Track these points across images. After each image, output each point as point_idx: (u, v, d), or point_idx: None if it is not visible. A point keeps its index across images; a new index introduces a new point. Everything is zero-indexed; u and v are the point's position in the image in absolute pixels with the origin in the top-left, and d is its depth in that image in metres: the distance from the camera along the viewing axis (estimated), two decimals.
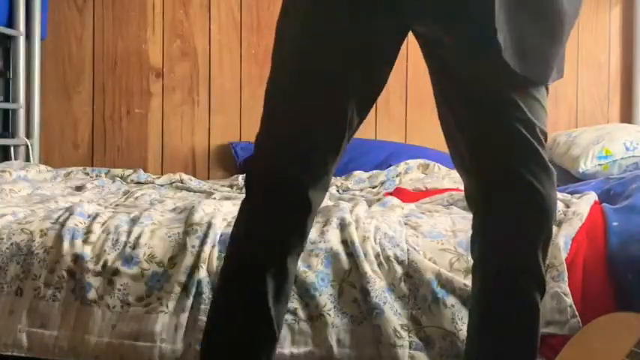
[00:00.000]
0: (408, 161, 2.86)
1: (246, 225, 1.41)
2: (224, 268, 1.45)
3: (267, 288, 1.36)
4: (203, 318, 1.68)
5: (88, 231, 1.81)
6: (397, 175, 2.76)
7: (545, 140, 1.31)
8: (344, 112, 1.32)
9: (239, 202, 1.97)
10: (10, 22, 3.15)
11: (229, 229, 1.76)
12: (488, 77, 1.28)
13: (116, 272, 1.73)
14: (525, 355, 1.37)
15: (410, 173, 2.78)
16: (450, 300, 1.66)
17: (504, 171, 1.31)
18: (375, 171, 2.83)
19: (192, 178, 2.84)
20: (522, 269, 1.34)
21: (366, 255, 1.71)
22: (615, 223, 1.78)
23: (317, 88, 1.31)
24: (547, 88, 1.34)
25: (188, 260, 1.73)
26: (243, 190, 1.43)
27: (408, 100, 3.27)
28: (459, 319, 1.65)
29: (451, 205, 2.19)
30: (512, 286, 1.35)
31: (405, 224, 1.86)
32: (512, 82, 1.27)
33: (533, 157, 1.29)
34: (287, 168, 1.34)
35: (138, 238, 1.78)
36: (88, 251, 1.76)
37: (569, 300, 1.62)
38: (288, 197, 1.35)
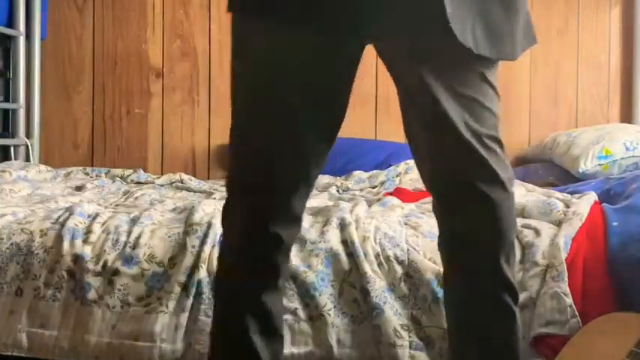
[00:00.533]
0: (408, 161, 2.86)
1: (222, 258, 1.43)
2: (214, 296, 1.49)
3: (249, 326, 1.36)
4: (203, 318, 1.68)
5: (88, 231, 1.81)
6: (397, 175, 2.76)
7: (498, 144, 1.30)
8: (304, 147, 1.31)
9: None
10: (10, 22, 3.16)
11: None
12: (427, 88, 1.27)
13: (116, 272, 1.73)
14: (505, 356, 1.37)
15: (410, 173, 2.78)
16: None
17: (456, 183, 1.31)
18: (375, 171, 2.83)
19: (192, 178, 2.84)
20: (486, 271, 1.34)
21: (366, 255, 1.71)
22: (615, 223, 1.78)
23: (276, 126, 1.30)
24: (496, 91, 1.31)
25: (188, 260, 1.73)
26: None
27: None
28: None
29: None
30: (480, 286, 1.35)
31: (405, 224, 1.86)
32: (452, 91, 1.26)
33: (482, 167, 1.29)
34: (249, 204, 1.34)
35: (138, 238, 1.78)
36: (88, 251, 1.76)
37: (569, 300, 1.62)
38: (252, 233, 1.36)
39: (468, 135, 1.26)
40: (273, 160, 1.32)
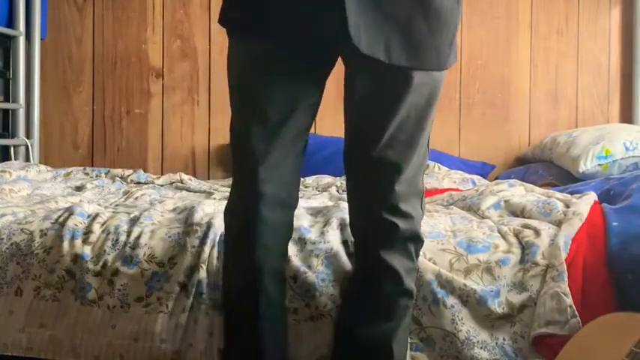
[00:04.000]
0: None
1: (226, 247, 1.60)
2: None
3: (258, 309, 1.49)
4: (203, 318, 1.68)
5: (88, 231, 1.81)
6: None
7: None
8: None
9: None
10: (10, 22, 3.16)
11: None
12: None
13: (116, 272, 1.73)
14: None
15: None
16: (450, 300, 1.66)
17: None
18: None
19: (192, 178, 2.84)
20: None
21: None
22: (615, 223, 1.78)
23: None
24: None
25: (188, 260, 1.72)
26: None
27: None
28: (459, 320, 1.65)
29: (451, 205, 2.19)
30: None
31: None
32: None
33: None
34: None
35: (138, 238, 1.78)
36: (88, 251, 1.76)
37: (569, 300, 1.62)
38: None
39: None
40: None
